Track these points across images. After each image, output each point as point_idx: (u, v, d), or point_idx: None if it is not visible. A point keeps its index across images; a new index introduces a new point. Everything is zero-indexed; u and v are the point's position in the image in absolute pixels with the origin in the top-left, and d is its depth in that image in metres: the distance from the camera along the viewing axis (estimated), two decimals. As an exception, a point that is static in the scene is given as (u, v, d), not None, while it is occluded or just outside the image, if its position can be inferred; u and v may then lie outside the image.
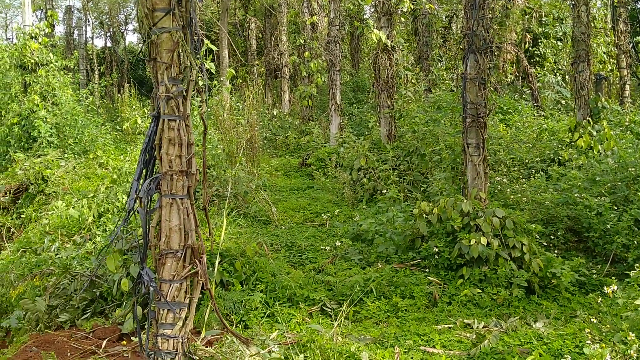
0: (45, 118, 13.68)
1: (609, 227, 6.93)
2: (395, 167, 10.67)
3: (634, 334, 3.82)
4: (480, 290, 5.89)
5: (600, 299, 5.07)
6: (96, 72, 29.16)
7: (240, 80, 23.79)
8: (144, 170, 3.51)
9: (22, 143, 13.83)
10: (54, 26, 15.82)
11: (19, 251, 8.45)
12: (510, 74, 18.95)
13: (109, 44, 33.97)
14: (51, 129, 13.72)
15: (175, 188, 3.49)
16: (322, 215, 9.30)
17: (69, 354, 4.98)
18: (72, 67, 16.30)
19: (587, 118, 10.91)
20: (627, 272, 5.33)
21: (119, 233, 4.39)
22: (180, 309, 3.43)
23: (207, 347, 4.09)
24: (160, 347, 3.45)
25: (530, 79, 17.68)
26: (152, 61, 3.51)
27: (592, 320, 4.77)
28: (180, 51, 3.46)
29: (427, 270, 6.48)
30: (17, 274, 7.34)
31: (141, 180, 3.54)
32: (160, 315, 3.47)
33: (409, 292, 5.94)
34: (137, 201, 3.46)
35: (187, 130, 3.52)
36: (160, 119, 3.47)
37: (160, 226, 3.48)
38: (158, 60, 3.48)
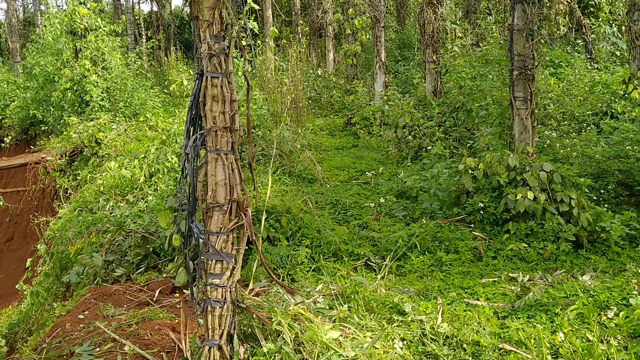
0: (97, 82, 14.06)
1: (662, 180, 6.72)
2: (440, 123, 10.54)
3: (683, 286, 3.76)
4: (526, 245, 5.85)
5: (649, 251, 4.97)
6: (143, 37, 29.54)
7: (285, 41, 23.70)
8: (191, 128, 3.61)
9: (76, 107, 14.30)
10: (101, -9, 16.07)
11: (75, 210, 8.85)
12: (563, 25, 18.22)
13: (155, 8, 34.21)
14: (102, 93, 14.11)
15: (220, 144, 3.58)
16: (367, 173, 9.33)
17: (125, 305, 5.25)
18: (120, 31, 16.59)
19: (643, 69, 10.46)
20: (679, 226, 5.21)
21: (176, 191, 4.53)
22: (228, 259, 3.56)
23: (255, 297, 4.24)
24: (210, 296, 3.61)
25: (584, 30, 16.96)
26: (195, 19, 3.56)
27: (640, 272, 4.71)
28: (222, 8, 3.50)
29: (472, 225, 6.47)
30: (74, 231, 7.72)
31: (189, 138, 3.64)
32: (209, 266, 3.61)
33: (453, 247, 5.96)
34: (185, 157, 3.57)
35: (229, 87, 3.58)
36: (204, 76, 3.54)
37: (206, 181, 3.59)
38: (200, 18, 3.53)
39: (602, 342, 3.63)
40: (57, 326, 4.96)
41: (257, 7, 8.98)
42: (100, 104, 13.98)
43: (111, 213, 7.92)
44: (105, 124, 12.67)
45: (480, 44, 16.10)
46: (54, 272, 7.55)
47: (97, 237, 6.96)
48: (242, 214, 3.60)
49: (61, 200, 10.89)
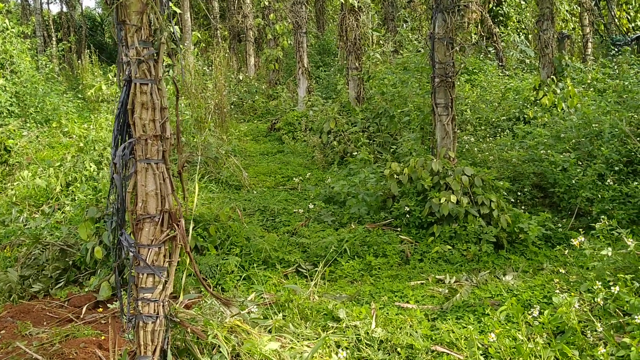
0: (4, 87, 13.26)
1: (573, 182, 7.13)
2: (364, 129, 10.72)
3: (600, 283, 3.99)
4: (450, 247, 6.04)
5: (566, 251, 5.25)
6: (54, 39, 28.23)
7: (204, 45, 23.35)
8: (119, 136, 3.47)
9: (-19, 113, 13.42)
10: (7, -9, 15.22)
11: (-15, 223, 8.29)
12: (475, 34, 19.03)
13: (65, 9, 32.77)
14: (11, 97, 13.33)
15: (150, 152, 3.46)
16: (294, 178, 9.34)
17: (45, 323, 4.97)
18: (29, 33, 15.77)
19: (551, 76, 11.09)
20: (592, 225, 5.53)
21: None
22: (160, 272, 3.44)
23: (187, 310, 4.13)
24: (141, 311, 3.47)
25: (495, 38, 17.79)
26: (122, 24, 3.43)
27: (559, 271, 4.96)
28: (150, 13, 3.39)
29: (399, 229, 6.61)
30: (-15, 246, 7.21)
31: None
32: (140, 280, 3.48)
33: (381, 251, 6.06)
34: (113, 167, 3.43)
35: (159, 94, 3.47)
36: (132, 83, 3.41)
37: (136, 191, 3.46)
38: (127, 23, 3.40)
39: (528, 340, 3.79)
40: (-31, 348, 4.62)
41: (178, 10, 8.79)
42: (9, 110, 13.18)
43: (25, 225, 7.48)
44: (14, 130, 11.96)
45: (399, 51, 16.52)
46: (-39, 290, 7.03)
47: (11, 251, 6.55)
48: (175, 225, 3.50)
49: (-33, 212, 10.17)
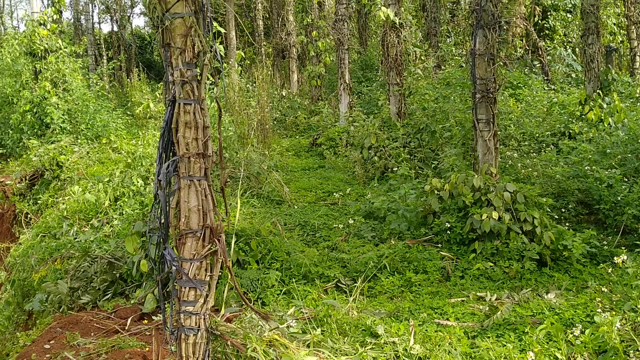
0: (57, 104, 13.81)
1: (619, 199, 6.97)
2: (405, 144, 10.72)
3: (644, 302, 3.91)
4: (492, 264, 5.98)
5: (610, 269, 5.14)
6: (104, 57, 29.22)
7: (249, 62, 23.78)
8: (164, 154, 3.61)
9: (35, 130, 13.99)
10: (61, 12, 15.87)
11: (38, 236, 8.63)
12: (520, 48, 18.81)
13: (115, 29, 33.94)
14: (63, 115, 13.86)
15: (193, 170, 3.58)
16: (334, 194, 9.40)
17: (92, 334, 5.14)
18: (81, 52, 16.40)
19: (598, 91, 10.87)
20: (637, 243, 5.41)
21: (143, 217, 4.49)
22: (201, 286, 3.54)
23: (228, 323, 4.22)
24: (183, 324, 3.58)
25: (540, 52, 17.55)
26: (166, 46, 3.57)
27: (602, 290, 4.86)
28: (194, 36, 3.53)
29: (439, 245, 6.58)
30: (37, 258, 7.52)
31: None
32: (182, 293, 3.59)
33: (422, 267, 6.04)
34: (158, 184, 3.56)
35: (202, 114, 3.59)
36: (176, 103, 3.55)
37: (179, 207, 3.58)
38: (172, 46, 3.55)
39: (569, 359, 3.73)
40: (21, 356, 4.82)
41: (223, 30, 9.02)
42: (61, 127, 13.71)
43: (75, 238, 7.76)
44: (66, 146, 12.44)
45: (441, 66, 16.47)
46: (15, 300, 7.33)
47: (61, 263, 6.80)
48: (216, 240, 3.60)
49: (21, 226, 10.61)
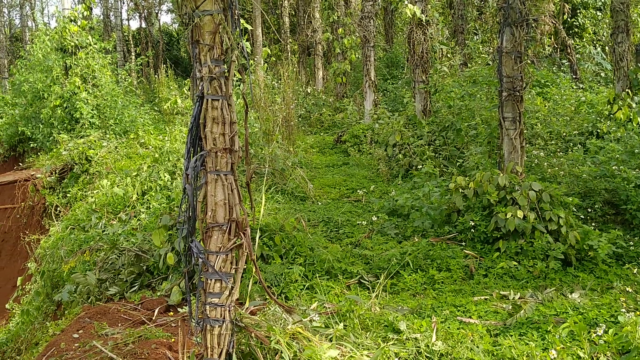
0: (87, 100, 14.07)
1: (647, 199, 6.88)
2: (430, 142, 10.69)
3: (669, 303, 3.87)
4: (516, 263, 5.95)
5: (636, 270, 5.09)
6: (132, 53, 29.62)
7: (274, 59, 23.89)
8: (191, 149, 3.68)
9: (65, 124, 14.28)
10: (91, 9, 16.13)
11: (67, 228, 8.82)
12: (548, 46, 18.57)
13: (143, 25, 34.37)
14: (92, 110, 14.11)
15: (220, 164, 3.65)
16: (358, 191, 9.43)
17: (120, 324, 5.26)
18: (110, 49, 16.66)
19: (627, 90, 10.71)
20: (665, 244, 5.33)
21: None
22: (227, 279, 3.61)
23: (252, 316, 4.29)
24: (209, 315, 3.65)
25: (569, 50, 17.31)
26: (195, 43, 3.64)
27: (627, 290, 4.81)
28: (222, 33, 3.59)
29: (463, 243, 6.57)
30: (66, 250, 7.70)
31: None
32: (208, 285, 3.66)
33: (445, 265, 6.05)
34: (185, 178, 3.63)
35: (229, 109, 3.66)
36: (204, 99, 3.62)
37: (206, 201, 3.65)
38: (201, 42, 3.61)
39: (592, 359, 3.71)
40: (51, 345, 4.95)
41: (250, 27, 9.10)
42: (90, 121, 13.97)
43: (104, 231, 7.92)
44: (95, 141, 12.67)
45: (468, 63, 16.35)
46: (44, 291, 7.52)
47: (90, 255, 6.96)
48: (242, 234, 3.67)
49: (51, 218, 10.85)
